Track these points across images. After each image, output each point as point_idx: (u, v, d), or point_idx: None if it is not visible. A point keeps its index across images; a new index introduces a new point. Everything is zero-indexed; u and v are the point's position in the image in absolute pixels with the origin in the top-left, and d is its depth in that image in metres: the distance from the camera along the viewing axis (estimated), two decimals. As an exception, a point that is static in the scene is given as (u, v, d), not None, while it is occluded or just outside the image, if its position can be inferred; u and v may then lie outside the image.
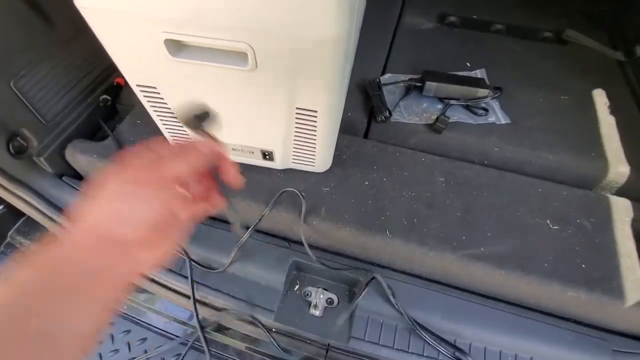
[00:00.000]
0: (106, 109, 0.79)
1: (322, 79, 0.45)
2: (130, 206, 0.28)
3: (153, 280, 0.67)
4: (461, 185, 0.66)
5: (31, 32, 0.66)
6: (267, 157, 0.63)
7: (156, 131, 0.67)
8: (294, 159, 0.63)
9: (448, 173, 0.67)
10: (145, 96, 0.55)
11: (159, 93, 0.54)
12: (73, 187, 0.72)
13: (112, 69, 0.82)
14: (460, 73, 0.83)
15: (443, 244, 0.59)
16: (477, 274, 0.58)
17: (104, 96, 0.78)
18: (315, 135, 0.55)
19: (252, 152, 0.63)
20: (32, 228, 0.80)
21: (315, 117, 0.51)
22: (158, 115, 0.60)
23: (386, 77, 0.83)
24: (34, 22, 0.65)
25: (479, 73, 0.84)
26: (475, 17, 1.02)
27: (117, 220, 0.28)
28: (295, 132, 0.55)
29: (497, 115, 0.76)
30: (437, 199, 0.64)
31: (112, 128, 0.75)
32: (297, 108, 0.51)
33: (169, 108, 0.57)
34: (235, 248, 0.64)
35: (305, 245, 0.61)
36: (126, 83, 0.82)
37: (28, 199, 0.70)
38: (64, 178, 0.75)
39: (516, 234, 0.61)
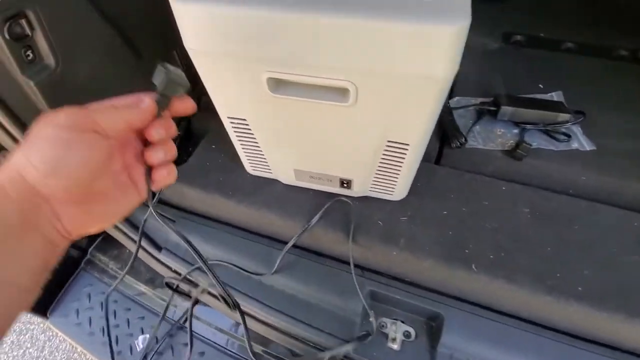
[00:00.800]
0: (182, 133, 0.83)
1: (423, 114, 0.44)
2: (58, 154, 0.26)
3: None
4: (548, 218, 0.62)
5: (122, 65, 0.70)
6: (344, 185, 0.63)
7: (232, 155, 0.69)
8: (372, 187, 0.62)
9: (532, 203, 0.64)
10: (233, 127, 0.57)
11: (247, 125, 0.56)
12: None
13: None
14: (535, 96, 0.80)
15: (536, 282, 0.55)
16: (575, 316, 0.54)
17: (182, 122, 0.82)
18: (401, 166, 0.54)
19: (330, 180, 0.63)
20: (109, 245, 0.85)
21: (406, 149, 0.51)
22: (242, 145, 0.61)
23: (455, 101, 0.81)
24: (127, 56, 0.70)
25: (555, 96, 0.80)
26: (542, 35, 0.98)
27: (42, 169, 0.26)
28: (381, 162, 0.55)
29: (580, 141, 0.72)
30: (523, 232, 0.61)
31: (189, 153, 0.78)
32: (388, 141, 0.50)
33: (255, 139, 0.58)
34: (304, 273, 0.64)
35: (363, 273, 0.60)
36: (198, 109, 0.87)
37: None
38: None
39: (614, 272, 0.56)
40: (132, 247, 0.74)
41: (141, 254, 0.75)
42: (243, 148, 0.62)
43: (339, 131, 0.50)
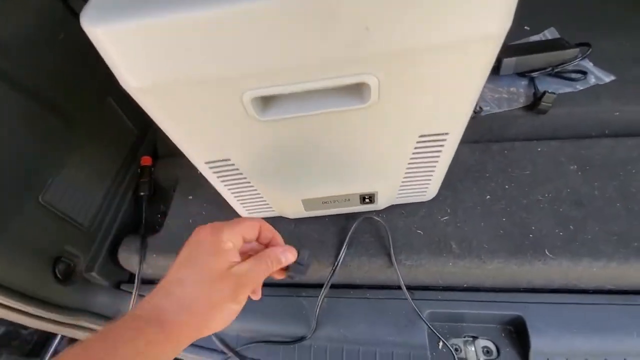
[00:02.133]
0: (147, 192, 0.67)
1: (470, 91, 0.33)
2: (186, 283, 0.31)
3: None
4: (600, 168, 0.54)
5: (50, 135, 0.54)
6: (366, 200, 0.51)
7: (217, 202, 0.55)
8: (400, 194, 0.51)
9: (577, 157, 0.55)
10: (214, 172, 0.44)
11: (232, 165, 0.42)
12: (141, 295, 0.60)
13: (136, 148, 0.71)
14: (529, 39, 0.71)
15: (620, 248, 0.47)
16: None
17: (141, 179, 0.67)
18: (436, 162, 0.43)
19: (348, 200, 0.51)
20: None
21: (444, 140, 0.40)
22: (230, 190, 0.48)
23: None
24: (51, 123, 0.54)
25: (549, 34, 0.72)
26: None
27: (172, 304, 0.30)
28: (411, 163, 0.44)
29: (597, 75, 0.64)
30: (582, 193, 0.52)
31: (161, 211, 0.64)
32: (421, 136, 0.39)
33: (245, 178, 0.45)
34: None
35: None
36: (154, 158, 0.72)
37: (89, 325, 0.58)
38: (122, 286, 0.63)
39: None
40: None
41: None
42: (232, 193, 0.49)
43: (355, 141, 0.38)
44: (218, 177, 0.45)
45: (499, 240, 0.49)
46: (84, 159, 0.59)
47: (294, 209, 0.53)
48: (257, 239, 0.36)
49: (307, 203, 0.51)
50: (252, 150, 0.39)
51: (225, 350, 0.56)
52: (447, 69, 0.30)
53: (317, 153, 0.40)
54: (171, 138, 0.38)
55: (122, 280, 0.63)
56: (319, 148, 0.39)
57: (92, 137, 0.61)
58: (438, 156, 0.42)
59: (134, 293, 0.57)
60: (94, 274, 0.58)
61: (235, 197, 0.50)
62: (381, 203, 0.53)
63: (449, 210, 0.53)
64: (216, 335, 0.57)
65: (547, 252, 0.47)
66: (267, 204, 0.53)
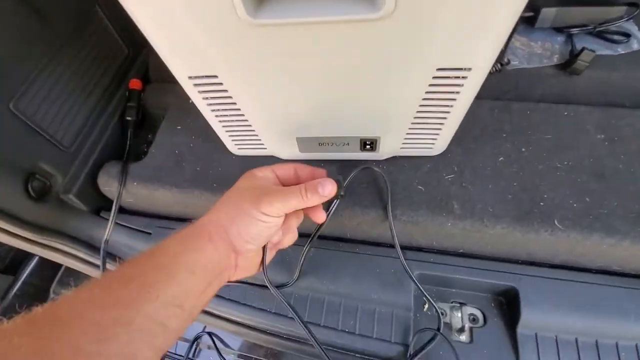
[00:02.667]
0: (134, 118, 0.62)
1: (499, 13, 0.27)
2: (259, 231, 0.34)
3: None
4: (629, 140, 0.48)
5: (24, 34, 0.48)
6: (367, 146, 0.46)
7: (207, 133, 0.51)
8: (405, 143, 0.46)
9: (606, 127, 0.50)
10: (200, 91, 0.39)
11: (221, 84, 0.37)
12: (119, 224, 0.57)
13: (126, 69, 0.65)
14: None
15: (638, 227, 0.42)
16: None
17: (129, 103, 0.61)
18: (451, 106, 0.38)
19: (348, 144, 0.46)
20: (76, 277, 0.67)
21: (465, 78, 0.34)
22: (218, 117, 0.43)
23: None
24: (26, 20, 0.48)
25: (597, -13, 0.64)
26: None
27: (245, 238, 0.33)
28: (423, 105, 0.38)
29: (642, 39, 0.57)
30: (605, 165, 0.47)
31: (148, 141, 0.59)
32: (439, 69, 0.33)
33: (235, 104, 0.40)
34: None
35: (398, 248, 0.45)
36: (145, 83, 0.66)
37: (63, 247, 0.56)
38: (102, 214, 0.60)
39: None
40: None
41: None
42: (221, 121, 0.44)
43: (363, 66, 0.33)
44: (204, 99, 0.40)
45: (506, 204, 0.45)
46: (64, 71, 0.54)
47: (288, 149, 0.49)
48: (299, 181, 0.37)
49: (302, 143, 0.47)
50: (241, 66, 0.34)
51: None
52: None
53: (316, 77, 0.35)
54: (155, 49, 0.33)
55: (102, 208, 0.61)
56: (319, 71, 0.34)
57: (75, 47, 0.55)
58: (454, 99, 0.37)
59: (110, 219, 0.54)
60: (71, 196, 0.55)
61: (224, 127, 0.46)
62: (383, 152, 0.48)
63: (456, 169, 0.49)
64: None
65: (556, 223, 0.43)
66: (259, 140, 0.48)
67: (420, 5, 0.26)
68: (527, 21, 0.59)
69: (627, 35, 0.57)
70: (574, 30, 0.58)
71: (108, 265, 0.57)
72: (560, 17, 0.57)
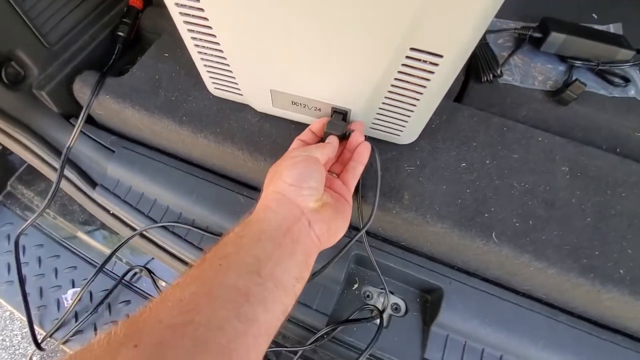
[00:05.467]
0: (125, 34, 0.62)
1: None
2: (300, 171, 0.36)
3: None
4: (591, 180, 0.49)
5: None
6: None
7: (190, 68, 0.51)
8: (375, 123, 0.46)
9: (574, 161, 0.50)
10: (185, 22, 0.38)
11: (207, 19, 0.37)
12: (85, 134, 0.58)
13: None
14: (591, 26, 0.62)
15: (568, 260, 0.43)
16: (608, 303, 0.44)
17: (124, 19, 0.61)
18: (422, 92, 0.38)
19: (319, 109, 0.46)
20: (36, 176, 0.68)
21: (437, 64, 0.34)
22: (199, 52, 0.43)
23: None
24: None
25: (613, 28, 0.63)
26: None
27: (295, 182, 0.36)
28: (394, 85, 0.38)
29: (639, 88, 0.57)
30: (559, 196, 0.47)
31: (134, 62, 0.59)
32: (412, 49, 0.33)
33: (216, 38, 0.40)
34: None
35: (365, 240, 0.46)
36: (146, 5, 0.65)
37: (26, 142, 0.56)
38: (72, 120, 0.60)
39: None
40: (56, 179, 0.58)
41: (70, 190, 0.59)
42: (202, 57, 0.44)
43: (343, 21, 0.33)
44: (189, 30, 0.40)
45: (453, 207, 0.46)
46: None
47: (262, 99, 0.49)
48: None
49: (276, 97, 0.47)
50: (227, 6, 0.34)
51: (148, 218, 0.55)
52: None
53: (296, 26, 0.35)
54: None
55: (73, 115, 0.61)
56: (300, 20, 0.34)
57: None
58: (425, 86, 0.37)
59: (77, 125, 0.54)
60: (44, 92, 0.55)
61: (205, 63, 0.46)
62: (352, 127, 0.48)
63: (418, 163, 0.49)
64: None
65: (493, 235, 0.44)
66: (236, 84, 0.48)
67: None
68: (534, 42, 0.59)
69: (627, 80, 0.57)
70: (577, 63, 0.57)
71: (66, 172, 0.57)
72: (567, 45, 0.57)
